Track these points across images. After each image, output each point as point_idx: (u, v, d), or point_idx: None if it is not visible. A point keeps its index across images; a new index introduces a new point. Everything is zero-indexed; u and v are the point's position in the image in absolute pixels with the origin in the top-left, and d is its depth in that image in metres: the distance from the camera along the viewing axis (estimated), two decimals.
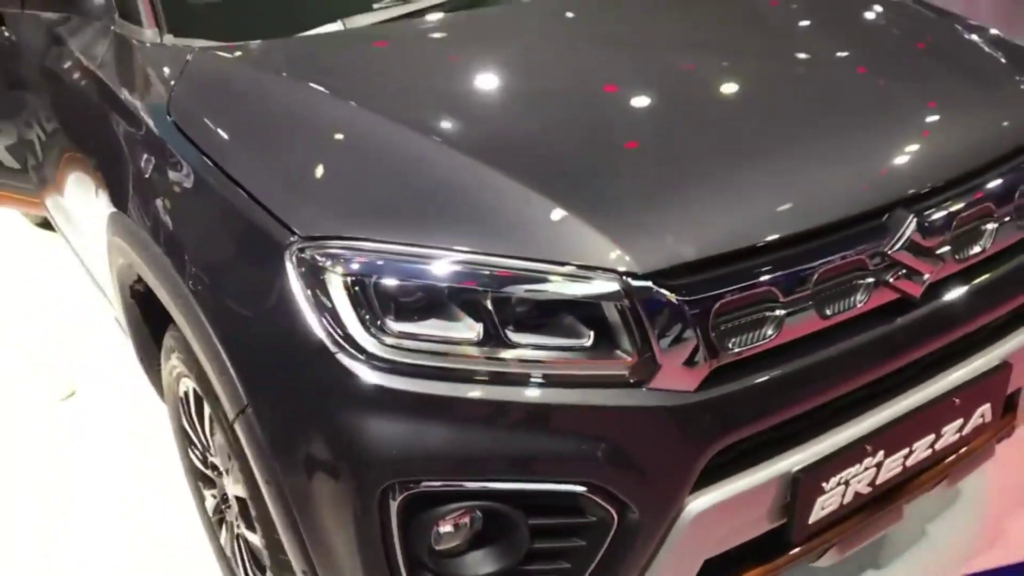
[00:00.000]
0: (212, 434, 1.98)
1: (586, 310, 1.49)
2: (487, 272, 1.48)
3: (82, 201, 2.35)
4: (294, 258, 1.53)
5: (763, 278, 1.53)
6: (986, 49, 2.17)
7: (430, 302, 1.50)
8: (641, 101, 1.86)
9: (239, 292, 1.63)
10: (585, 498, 1.52)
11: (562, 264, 1.47)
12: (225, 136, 1.76)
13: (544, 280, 1.47)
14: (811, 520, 1.70)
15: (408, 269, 1.50)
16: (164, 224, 1.80)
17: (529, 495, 1.52)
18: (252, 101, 1.88)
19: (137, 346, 2.28)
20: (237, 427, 1.63)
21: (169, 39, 2.00)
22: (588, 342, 1.49)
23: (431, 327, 1.50)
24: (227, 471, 1.95)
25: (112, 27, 2.07)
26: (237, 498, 1.93)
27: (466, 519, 1.54)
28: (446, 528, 1.54)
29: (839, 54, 2.03)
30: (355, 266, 1.50)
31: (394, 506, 1.51)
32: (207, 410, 1.93)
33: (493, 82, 1.97)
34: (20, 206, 3.33)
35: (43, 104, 2.61)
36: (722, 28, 2.16)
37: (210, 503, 2.21)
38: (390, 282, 1.49)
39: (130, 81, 2.02)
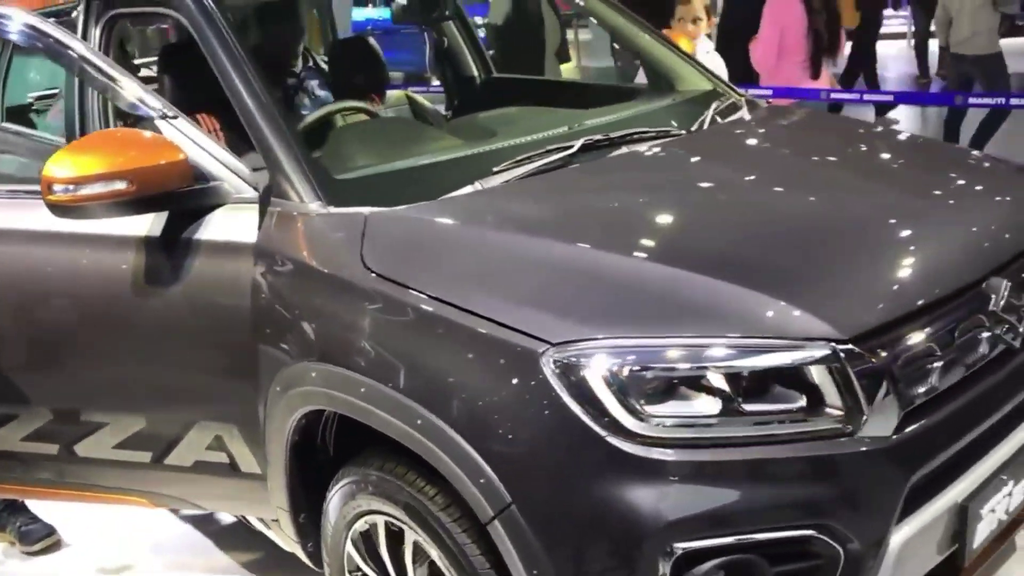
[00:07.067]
0: (416, 563, 2.12)
1: (801, 375, 1.80)
2: (720, 352, 1.79)
3: (215, 385, 2.46)
4: (551, 362, 1.79)
5: (926, 334, 1.91)
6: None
7: (674, 383, 1.80)
8: (813, 212, 2.29)
9: (491, 401, 1.85)
10: (816, 539, 1.79)
11: (783, 338, 1.80)
12: (446, 276, 2.03)
13: (769, 352, 1.79)
14: (975, 546, 2.00)
15: (653, 357, 1.80)
16: (387, 361, 2.01)
17: (771, 544, 1.78)
18: (458, 245, 2.17)
19: (291, 503, 2.40)
20: (496, 527, 1.83)
21: (332, 209, 2.27)
22: (804, 403, 1.80)
23: (678, 406, 1.79)
24: None
25: (269, 207, 2.32)
26: None
27: None
28: None
29: (937, 185, 2.55)
30: (610, 361, 1.78)
31: (667, 567, 1.74)
32: (408, 539, 2.10)
33: (675, 206, 2.38)
34: None
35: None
36: (860, 165, 2.71)
37: None
38: (640, 370, 1.78)
39: (300, 247, 2.26)
